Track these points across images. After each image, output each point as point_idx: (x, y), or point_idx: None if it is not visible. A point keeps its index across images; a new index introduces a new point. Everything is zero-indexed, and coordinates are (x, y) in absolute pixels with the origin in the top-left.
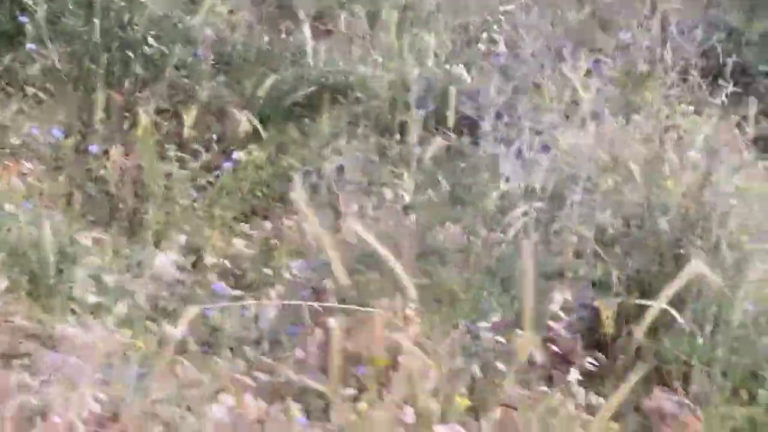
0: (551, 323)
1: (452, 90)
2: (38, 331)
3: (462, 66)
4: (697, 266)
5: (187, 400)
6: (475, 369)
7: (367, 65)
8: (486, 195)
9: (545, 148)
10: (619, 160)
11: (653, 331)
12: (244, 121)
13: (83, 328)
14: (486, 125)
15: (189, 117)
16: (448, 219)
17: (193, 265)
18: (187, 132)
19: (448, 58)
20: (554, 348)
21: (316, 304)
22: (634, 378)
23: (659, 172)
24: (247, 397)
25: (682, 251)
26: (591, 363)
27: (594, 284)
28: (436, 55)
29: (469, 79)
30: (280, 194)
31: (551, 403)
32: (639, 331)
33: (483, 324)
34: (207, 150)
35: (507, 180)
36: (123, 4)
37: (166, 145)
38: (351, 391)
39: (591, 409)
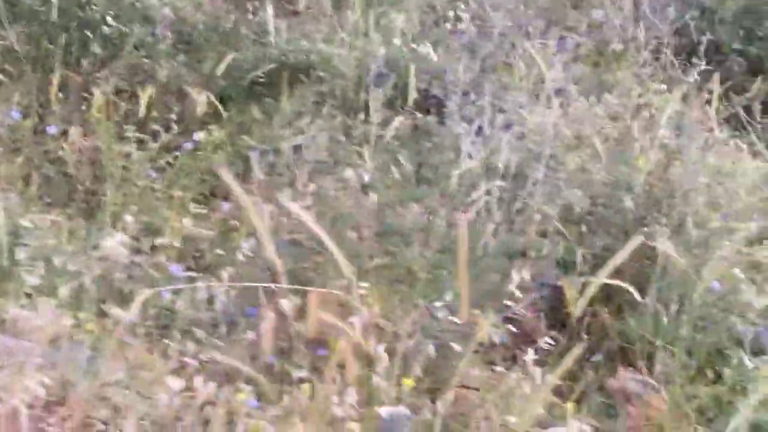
0: (512, 303)
1: (412, 68)
2: None
3: (429, 45)
4: (639, 239)
5: (136, 383)
6: (432, 350)
7: (331, 44)
8: (448, 174)
9: (507, 126)
10: (584, 139)
11: (618, 310)
12: (203, 101)
13: (35, 311)
14: (450, 104)
15: (144, 97)
16: (409, 198)
17: (152, 247)
18: (142, 112)
19: (416, 37)
20: (518, 327)
21: (264, 285)
22: (574, 352)
23: (627, 150)
24: (197, 380)
25: (647, 229)
26: (548, 343)
27: (558, 263)
28: (403, 34)
29: (435, 58)
30: (241, 174)
31: (507, 384)
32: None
33: (440, 304)
34: (167, 130)
35: (470, 158)
36: None
37: (125, 126)
38: (303, 373)
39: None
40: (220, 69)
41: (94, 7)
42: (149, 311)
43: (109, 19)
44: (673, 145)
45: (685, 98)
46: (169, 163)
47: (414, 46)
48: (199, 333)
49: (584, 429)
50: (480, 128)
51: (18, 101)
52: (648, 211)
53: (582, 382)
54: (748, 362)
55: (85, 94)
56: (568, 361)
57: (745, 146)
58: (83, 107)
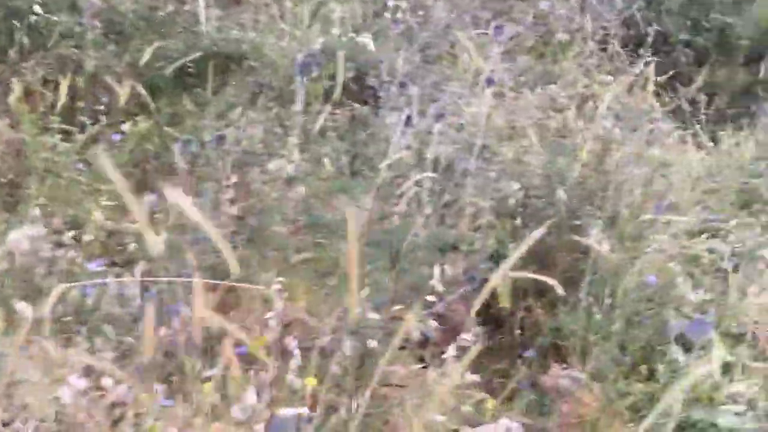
0: (435, 298)
1: (341, 58)
2: None
3: (368, 35)
4: (539, 232)
5: (42, 382)
6: (348, 346)
7: (268, 34)
8: (377, 165)
9: (439, 117)
10: (520, 129)
11: (552, 305)
12: (127, 91)
13: None
14: (385, 94)
15: (64, 86)
16: (337, 190)
17: (76, 240)
18: (63, 102)
19: (356, 27)
20: (449, 323)
21: (179, 280)
22: (473, 350)
23: (564, 140)
24: (105, 380)
25: (579, 222)
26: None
27: (492, 257)
28: (343, 24)
29: (373, 48)
30: (168, 166)
31: (426, 381)
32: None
33: (366, 299)
34: (94, 122)
35: (402, 149)
36: None
37: (51, 117)
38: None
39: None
40: (144, 58)
41: None
42: (62, 307)
43: (36, 7)
44: (612, 135)
45: (630, 89)
46: (95, 155)
47: (353, 35)
48: (109, 331)
49: (512, 426)
50: (409, 118)
51: None
52: (581, 204)
53: (514, 378)
54: (681, 358)
55: (11, 85)
56: (473, 354)
57: (689, 138)
58: (9, 99)
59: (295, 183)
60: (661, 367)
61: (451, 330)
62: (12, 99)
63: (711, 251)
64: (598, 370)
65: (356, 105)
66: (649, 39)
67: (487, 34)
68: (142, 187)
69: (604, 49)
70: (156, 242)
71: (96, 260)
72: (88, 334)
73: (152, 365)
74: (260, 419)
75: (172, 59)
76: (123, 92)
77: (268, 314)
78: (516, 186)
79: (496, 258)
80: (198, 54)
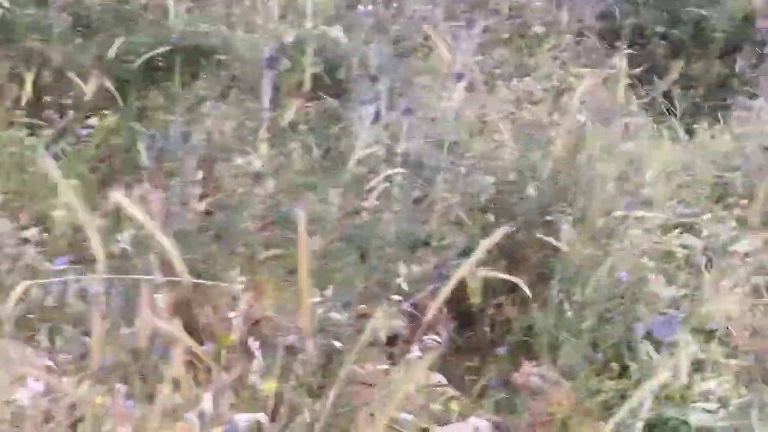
0: (399, 297)
1: (309, 51)
2: None
3: (341, 28)
4: (505, 230)
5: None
6: (310, 346)
7: (236, 27)
8: (346, 161)
9: (407, 111)
10: (491, 124)
11: (523, 302)
12: (92, 86)
13: None
14: (355, 88)
15: (29, 80)
16: (305, 186)
17: (42, 237)
18: (28, 96)
19: (329, 20)
20: (419, 320)
21: (143, 277)
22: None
23: (537, 135)
24: (66, 380)
25: (551, 218)
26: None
27: (463, 253)
28: (315, 17)
29: (346, 41)
30: (136, 161)
31: (393, 379)
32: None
33: (332, 296)
34: (62, 116)
35: (372, 144)
36: None
37: (17, 111)
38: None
39: None
40: (112, 52)
41: None
42: (22, 306)
43: (3, 1)
44: (585, 129)
45: (606, 82)
46: (63, 151)
47: (325, 28)
48: (70, 330)
49: (482, 425)
50: (377, 113)
51: None
52: (552, 200)
53: (485, 376)
54: (653, 355)
55: None
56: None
57: (665, 131)
58: None
59: (263, 178)
60: (632, 365)
61: (421, 327)
62: None
63: (684, 246)
64: (569, 367)
65: (329, 98)
66: (625, 31)
67: (462, 26)
68: (109, 182)
69: (580, 42)
70: (121, 239)
71: (60, 257)
72: (49, 333)
73: (115, 366)
74: (217, 424)
75: (140, 53)
76: (89, 86)
77: (231, 314)
78: (488, 181)
79: (468, 254)
80: (167, 48)
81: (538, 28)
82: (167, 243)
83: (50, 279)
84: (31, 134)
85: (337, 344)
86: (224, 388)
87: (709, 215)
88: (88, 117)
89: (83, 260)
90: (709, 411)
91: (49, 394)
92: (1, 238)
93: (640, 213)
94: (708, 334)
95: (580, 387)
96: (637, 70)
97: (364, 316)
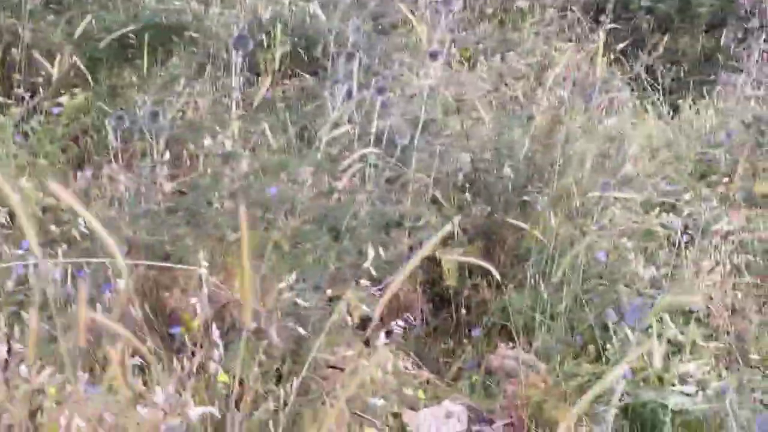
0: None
1: (278, 29)
2: None
3: (318, 3)
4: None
5: None
6: (273, 331)
7: (209, 4)
8: (319, 140)
9: (381, 90)
10: (469, 102)
11: (499, 283)
12: (70, 63)
13: None
14: (331, 65)
15: None
16: (277, 166)
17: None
18: None
19: None
20: (395, 302)
21: (105, 260)
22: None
23: (516, 111)
24: (23, 368)
25: (527, 198)
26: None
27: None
28: None
29: (324, 18)
30: (106, 141)
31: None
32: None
33: (300, 279)
34: (33, 95)
35: (345, 123)
36: None
37: None
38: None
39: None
40: (80, 29)
41: None
42: None
43: None
44: (565, 106)
45: (591, 57)
46: (33, 130)
47: (303, 4)
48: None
49: (456, 409)
50: (350, 92)
51: None
52: (529, 179)
53: (460, 358)
54: (631, 337)
55: None
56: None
57: (649, 107)
58: None
59: (233, 159)
60: (609, 347)
61: (396, 309)
62: None
63: (665, 226)
64: (544, 350)
65: (307, 76)
66: (610, 5)
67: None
68: (80, 161)
69: (564, 17)
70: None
71: (25, 240)
72: (10, 319)
73: (79, 352)
74: (174, 413)
75: (112, 30)
76: (58, 65)
77: (193, 299)
78: (465, 159)
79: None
80: (139, 25)
81: (522, 3)
82: (102, 230)
83: (16, 262)
84: (0, 113)
85: (301, 330)
86: (186, 376)
87: (691, 194)
88: (59, 95)
89: (52, 243)
90: (688, 394)
91: (7, 382)
92: None
93: (616, 194)
94: (688, 315)
95: (557, 370)
96: (622, 45)
97: (336, 299)
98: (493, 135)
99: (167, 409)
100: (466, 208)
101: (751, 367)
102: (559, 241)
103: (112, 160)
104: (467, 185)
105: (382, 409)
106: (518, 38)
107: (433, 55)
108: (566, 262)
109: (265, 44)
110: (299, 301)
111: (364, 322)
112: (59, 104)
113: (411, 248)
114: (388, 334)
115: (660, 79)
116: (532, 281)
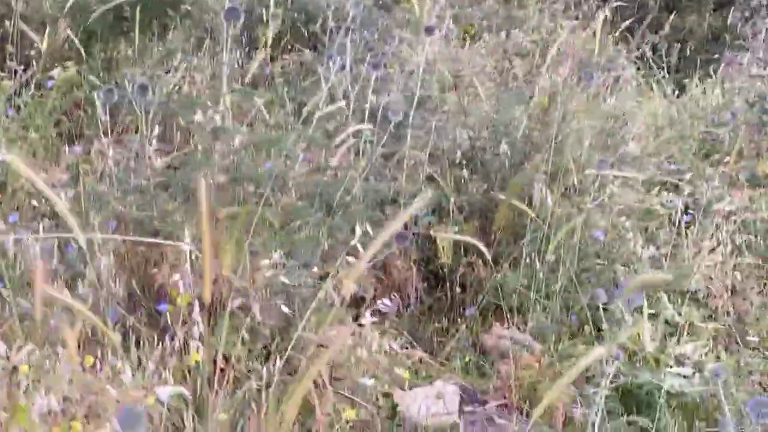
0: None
1: (271, 3)
2: None
3: None
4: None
5: None
6: (257, 309)
7: None
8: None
9: (376, 66)
10: (466, 78)
11: (495, 261)
12: (63, 36)
13: None
14: (329, 40)
15: None
16: (268, 142)
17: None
18: None
19: None
20: (389, 279)
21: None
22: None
23: (517, 89)
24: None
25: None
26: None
27: (433, 211)
28: None
29: None
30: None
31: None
32: None
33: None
34: (26, 68)
35: (340, 98)
36: None
37: None
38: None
39: None
40: (69, 2)
41: None
42: None
43: None
44: (565, 84)
45: (595, 35)
46: (25, 103)
47: None
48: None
49: (448, 389)
50: (343, 67)
51: None
52: (526, 156)
53: (454, 337)
54: (627, 318)
55: None
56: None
57: (654, 85)
58: None
59: (225, 134)
60: (605, 328)
61: (392, 286)
62: None
63: (664, 205)
64: (540, 330)
65: (306, 51)
66: None
67: None
68: (72, 136)
69: None
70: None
71: (14, 213)
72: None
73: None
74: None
75: (105, 1)
76: (49, 37)
77: (175, 276)
78: (463, 136)
79: (438, 211)
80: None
81: None
82: (65, 210)
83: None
84: None
85: (285, 308)
86: (168, 354)
87: (692, 173)
88: (53, 69)
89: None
90: (684, 376)
91: None
92: None
93: (614, 172)
94: (687, 296)
95: (551, 350)
96: (628, 23)
97: (325, 277)
98: (491, 112)
99: (138, 388)
100: (462, 185)
101: (750, 348)
102: (555, 219)
103: (102, 135)
104: (464, 162)
105: (372, 389)
106: (524, 15)
107: (429, 30)
108: (561, 236)
109: (265, 19)
110: (284, 279)
111: (358, 301)
112: (51, 77)
113: (406, 226)
114: (376, 313)
115: (665, 58)
116: (528, 260)
